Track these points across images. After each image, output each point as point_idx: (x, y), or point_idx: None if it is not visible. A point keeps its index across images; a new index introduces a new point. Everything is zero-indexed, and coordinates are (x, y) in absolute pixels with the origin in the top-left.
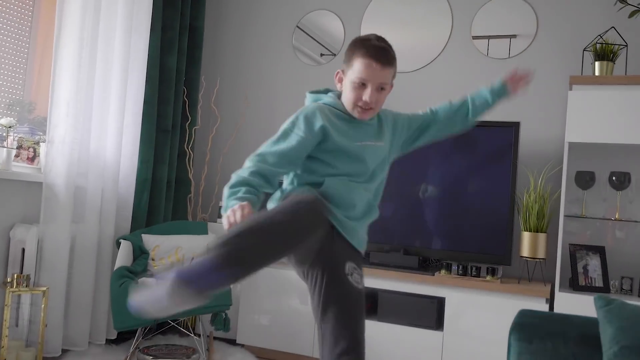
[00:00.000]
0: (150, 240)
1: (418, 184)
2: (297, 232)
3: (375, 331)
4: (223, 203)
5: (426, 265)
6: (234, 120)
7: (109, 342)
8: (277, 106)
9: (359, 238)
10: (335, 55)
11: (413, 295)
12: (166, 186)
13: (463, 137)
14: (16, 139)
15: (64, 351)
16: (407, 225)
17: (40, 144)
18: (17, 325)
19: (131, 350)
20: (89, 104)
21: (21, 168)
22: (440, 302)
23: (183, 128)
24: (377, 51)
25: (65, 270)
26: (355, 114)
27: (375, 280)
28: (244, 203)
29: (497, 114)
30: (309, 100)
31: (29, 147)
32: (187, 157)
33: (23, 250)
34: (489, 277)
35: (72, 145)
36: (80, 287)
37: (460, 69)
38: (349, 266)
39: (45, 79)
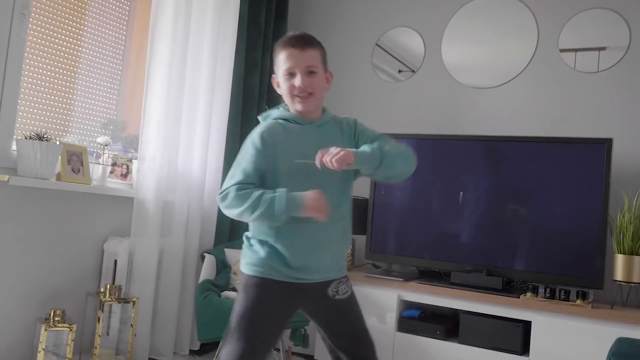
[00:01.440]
0: (232, 255)
1: (503, 202)
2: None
3: (457, 354)
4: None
5: (510, 287)
6: None
7: (192, 352)
8: None
9: (330, 269)
10: (414, 72)
11: (497, 317)
12: None
13: (552, 154)
14: (111, 156)
15: None
16: (491, 244)
17: (133, 161)
18: (108, 334)
19: None
20: (177, 124)
21: (115, 184)
22: (526, 326)
23: None
24: (292, 38)
25: (153, 282)
26: (298, 106)
27: (456, 301)
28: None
29: (587, 130)
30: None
31: (122, 164)
32: None
33: (115, 262)
34: (579, 301)
35: (161, 163)
36: (167, 298)
37: (546, 83)
38: (331, 289)
39: (137, 99)
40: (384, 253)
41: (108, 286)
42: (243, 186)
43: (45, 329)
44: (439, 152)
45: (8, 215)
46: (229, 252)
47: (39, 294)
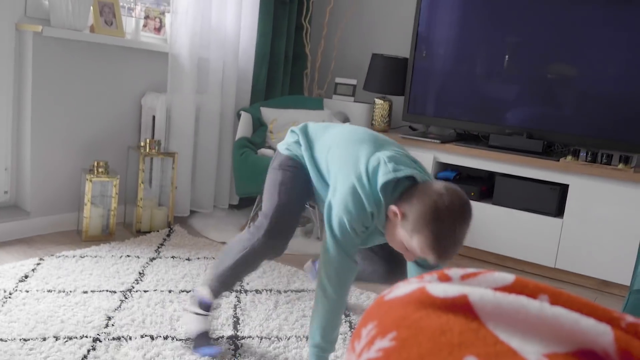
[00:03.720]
0: (268, 113)
1: (549, 62)
2: None
3: (489, 213)
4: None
5: (551, 151)
6: None
7: (231, 206)
8: None
9: None
10: None
11: (533, 180)
12: (284, 60)
13: (606, 11)
14: (143, 9)
15: (192, 212)
16: (534, 107)
17: (166, 14)
18: (150, 186)
19: (251, 215)
20: None
21: (149, 38)
22: (563, 190)
23: (300, 0)
24: (446, 254)
25: (191, 138)
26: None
27: (492, 163)
28: None
29: None
30: (352, 197)
31: (155, 17)
32: (304, 30)
33: (153, 117)
34: (621, 166)
35: (194, 17)
36: (205, 154)
37: None
38: None
39: None
40: (422, 115)
41: (148, 140)
42: (346, 262)
43: (90, 180)
44: (482, 8)
45: (45, 67)
46: (265, 111)
47: (81, 145)
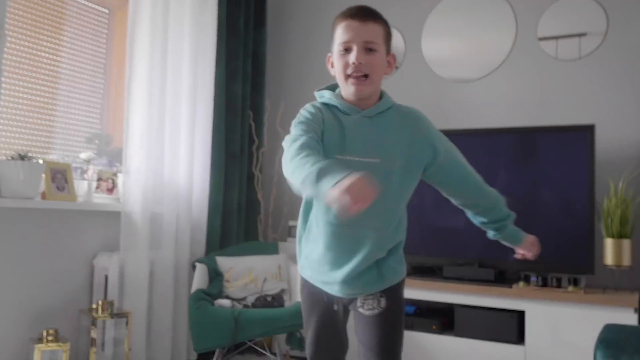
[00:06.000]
0: (224, 262)
1: None
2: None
3: (453, 347)
4: (300, 184)
5: (503, 278)
6: None
7: None
8: None
9: (367, 285)
10: (396, 68)
11: (491, 309)
12: (237, 209)
13: (536, 144)
14: (96, 171)
15: None
16: (481, 237)
17: (118, 174)
18: (103, 350)
19: None
20: (161, 134)
21: (101, 199)
22: (520, 316)
23: (250, 151)
24: (353, 9)
25: (146, 295)
26: (351, 89)
27: (450, 295)
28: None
29: (571, 117)
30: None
31: (107, 179)
32: (256, 179)
33: (106, 277)
34: (571, 288)
35: (147, 175)
36: (161, 310)
37: (528, 73)
38: (360, 300)
39: (120, 112)
40: None
41: (100, 302)
42: (308, 140)
43: (39, 350)
44: None
45: None
46: (221, 260)
47: (31, 314)
